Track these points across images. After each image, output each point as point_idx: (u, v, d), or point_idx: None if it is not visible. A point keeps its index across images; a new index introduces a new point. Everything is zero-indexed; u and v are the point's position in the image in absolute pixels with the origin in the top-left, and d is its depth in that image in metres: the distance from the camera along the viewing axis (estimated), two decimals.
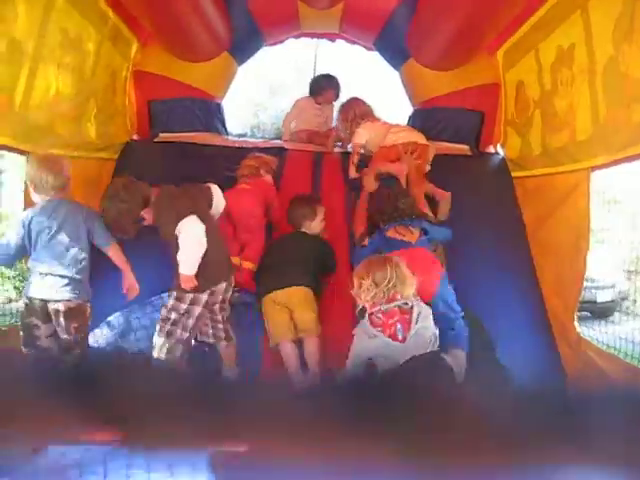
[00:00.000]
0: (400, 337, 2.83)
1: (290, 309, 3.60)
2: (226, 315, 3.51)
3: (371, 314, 2.94)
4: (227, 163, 4.66)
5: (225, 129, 5.76)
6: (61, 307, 3.05)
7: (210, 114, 5.49)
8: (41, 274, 3.04)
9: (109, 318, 3.68)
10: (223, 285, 3.37)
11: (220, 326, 3.49)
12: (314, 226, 3.98)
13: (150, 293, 3.74)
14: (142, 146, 4.95)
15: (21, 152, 3.46)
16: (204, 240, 3.14)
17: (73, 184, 3.87)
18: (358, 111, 4.83)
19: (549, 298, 3.86)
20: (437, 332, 2.94)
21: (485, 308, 3.68)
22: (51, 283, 3.04)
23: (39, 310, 3.06)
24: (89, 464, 2.32)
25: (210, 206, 3.43)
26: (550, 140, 3.96)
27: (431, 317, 2.94)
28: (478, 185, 4.58)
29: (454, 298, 3.28)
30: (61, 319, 3.06)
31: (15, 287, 7.96)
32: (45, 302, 3.05)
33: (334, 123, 5.58)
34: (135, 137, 5.07)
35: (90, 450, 2.39)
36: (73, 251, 3.09)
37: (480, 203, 4.40)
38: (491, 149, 5.13)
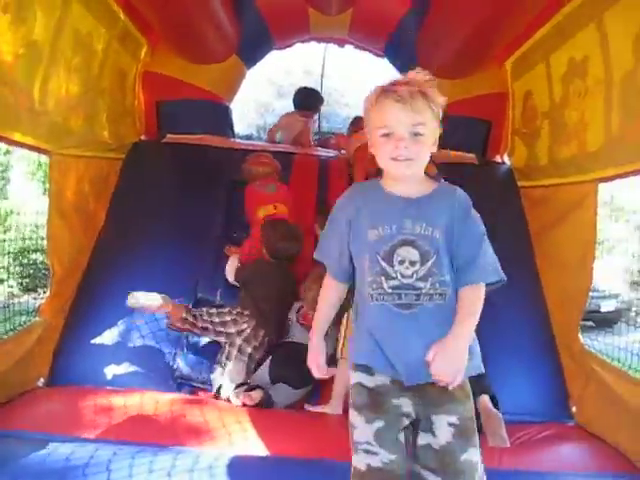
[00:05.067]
0: None
1: None
2: None
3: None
4: (233, 166, 4.68)
5: (232, 132, 5.79)
6: None
7: (218, 116, 5.51)
8: None
9: None
10: None
11: None
12: None
13: None
14: (150, 147, 4.94)
15: (43, 151, 3.51)
16: None
17: (80, 181, 3.93)
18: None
19: (553, 311, 3.82)
20: None
21: (489, 321, 3.66)
22: None
23: None
24: (94, 465, 2.31)
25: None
26: (558, 151, 3.95)
27: None
28: (484, 194, 4.52)
29: None
30: None
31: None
32: None
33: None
34: (143, 137, 5.07)
35: (97, 450, 2.41)
36: None
37: (486, 212, 4.34)
38: (498, 158, 5.12)
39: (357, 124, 5.23)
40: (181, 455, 2.39)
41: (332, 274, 2.11)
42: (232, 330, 3.46)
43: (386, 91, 1.88)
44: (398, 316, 1.87)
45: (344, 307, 3.42)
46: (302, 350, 3.41)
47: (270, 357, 3.52)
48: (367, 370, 1.92)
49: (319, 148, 6.00)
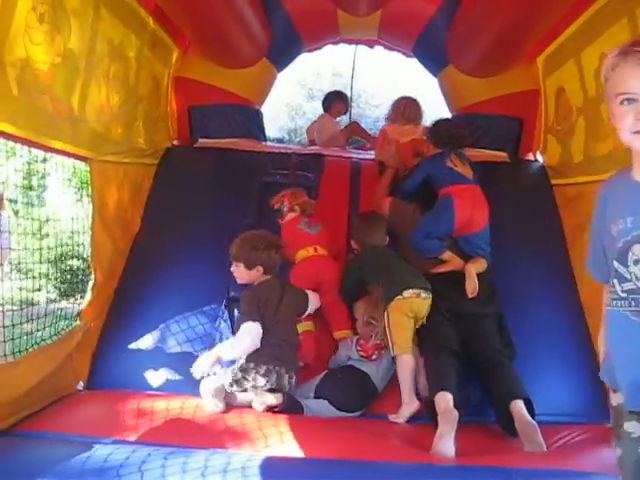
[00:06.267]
0: (374, 357, 3.40)
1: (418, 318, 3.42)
2: None
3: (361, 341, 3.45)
4: (265, 168, 4.71)
5: (264, 135, 5.81)
6: None
7: (249, 120, 5.52)
8: None
9: None
10: None
11: None
12: None
13: None
14: (182, 151, 5.01)
15: (82, 158, 3.59)
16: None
17: (120, 188, 4.01)
18: (408, 112, 4.78)
19: (590, 311, 3.74)
20: None
21: (524, 322, 3.65)
22: None
23: None
24: (127, 465, 2.34)
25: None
26: (594, 148, 3.86)
27: None
28: (517, 193, 4.53)
29: None
30: None
31: None
32: None
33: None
34: (176, 143, 5.13)
35: (134, 451, 2.44)
36: None
37: (519, 211, 4.33)
38: (530, 156, 5.06)
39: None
40: (214, 456, 2.40)
41: (604, 281, 1.85)
42: (262, 383, 3.12)
43: (627, 53, 1.60)
44: (633, 325, 1.60)
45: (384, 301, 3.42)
46: (357, 375, 3.37)
47: (325, 372, 3.47)
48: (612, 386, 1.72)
49: (352, 150, 6.02)
